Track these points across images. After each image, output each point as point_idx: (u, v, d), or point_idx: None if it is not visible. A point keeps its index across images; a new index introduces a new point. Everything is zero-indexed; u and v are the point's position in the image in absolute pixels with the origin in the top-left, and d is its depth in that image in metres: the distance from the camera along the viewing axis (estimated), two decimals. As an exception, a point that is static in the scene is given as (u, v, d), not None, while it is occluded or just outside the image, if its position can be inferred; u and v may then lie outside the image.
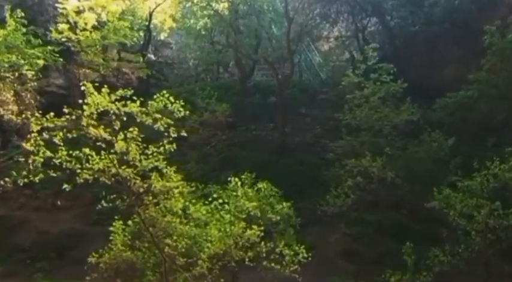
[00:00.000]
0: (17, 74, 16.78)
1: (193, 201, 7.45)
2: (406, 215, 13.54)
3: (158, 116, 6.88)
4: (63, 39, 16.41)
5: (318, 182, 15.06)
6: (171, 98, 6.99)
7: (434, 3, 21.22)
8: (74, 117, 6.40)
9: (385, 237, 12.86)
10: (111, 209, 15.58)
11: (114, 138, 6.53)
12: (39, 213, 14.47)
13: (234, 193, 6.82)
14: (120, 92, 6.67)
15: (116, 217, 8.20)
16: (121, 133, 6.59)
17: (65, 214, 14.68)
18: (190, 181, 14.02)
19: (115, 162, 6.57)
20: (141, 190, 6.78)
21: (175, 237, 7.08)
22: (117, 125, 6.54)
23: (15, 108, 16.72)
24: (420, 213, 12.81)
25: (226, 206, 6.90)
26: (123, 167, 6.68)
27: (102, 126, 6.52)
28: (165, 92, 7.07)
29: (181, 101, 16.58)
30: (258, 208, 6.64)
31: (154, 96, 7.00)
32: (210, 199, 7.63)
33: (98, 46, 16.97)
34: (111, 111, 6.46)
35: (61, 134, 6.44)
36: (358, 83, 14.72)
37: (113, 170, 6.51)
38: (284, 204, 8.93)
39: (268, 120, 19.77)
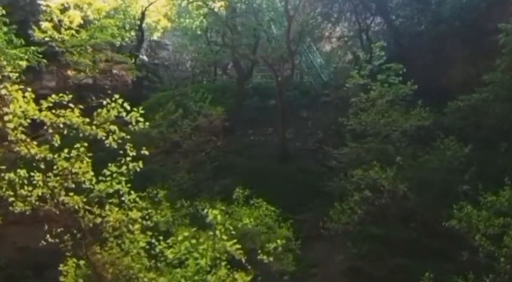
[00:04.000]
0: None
1: (161, 237, 6.04)
2: (416, 229, 12.48)
3: (114, 127, 5.56)
4: (47, 39, 15.33)
5: (321, 192, 14.08)
6: (126, 105, 5.56)
7: (441, 1, 20.29)
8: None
9: (394, 254, 11.87)
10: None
11: (54, 156, 5.30)
12: (18, 227, 13.30)
13: (211, 232, 5.44)
14: (53, 98, 5.41)
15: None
16: (64, 151, 5.33)
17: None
18: (180, 192, 13.08)
19: (57, 187, 5.32)
20: (91, 224, 5.54)
21: (133, 291, 5.71)
22: (56, 140, 5.34)
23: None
24: (432, 228, 11.86)
25: (201, 247, 5.55)
26: (70, 194, 5.48)
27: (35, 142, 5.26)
28: (119, 96, 5.67)
29: (173, 104, 15.54)
30: (243, 253, 5.39)
31: (104, 103, 5.64)
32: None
33: (84, 46, 15.91)
34: (48, 123, 5.19)
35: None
36: (364, 85, 13.65)
37: (56, 198, 5.28)
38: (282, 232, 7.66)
39: (267, 125, 18.83)
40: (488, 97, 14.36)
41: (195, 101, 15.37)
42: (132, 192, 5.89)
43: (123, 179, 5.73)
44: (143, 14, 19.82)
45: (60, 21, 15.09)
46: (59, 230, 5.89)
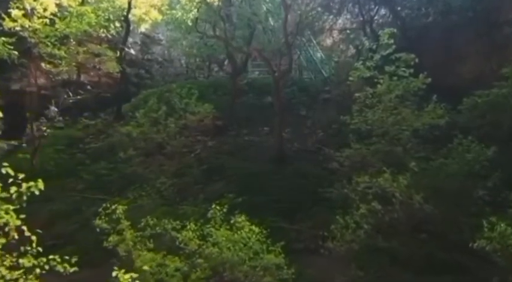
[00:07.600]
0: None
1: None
2: (429, 241, 11.16)
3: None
4: (18, 29, 13.99)
5: (321, 198, 12.81)
6: None
7: (453, -9, 19.20)
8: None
9: (404, 269, 10.55)
10: (71, 231, 13.02)
11: None
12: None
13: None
14: None
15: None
16: None
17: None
18: (161, 199, 11.72)
19: None
20: None
21: None
22: None
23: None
24: (449, 241, 10.54)
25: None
26: None
27: None
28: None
29: (155, 101, 14.21)
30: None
31: None
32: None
33: (59, 37, 14.56)
34: None
35: None
36: (370, 78, 12.28)
37: None
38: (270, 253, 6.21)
39: (263, 124, 17.90)
40: (509, 92, 13.01)
41: (181, 97, 14.16)
42: (24, 228, 4.28)
43: (11, 207, 4.10)
44: (129, 3, 18.48)
45: (32, 9, 13.77)
46: None
